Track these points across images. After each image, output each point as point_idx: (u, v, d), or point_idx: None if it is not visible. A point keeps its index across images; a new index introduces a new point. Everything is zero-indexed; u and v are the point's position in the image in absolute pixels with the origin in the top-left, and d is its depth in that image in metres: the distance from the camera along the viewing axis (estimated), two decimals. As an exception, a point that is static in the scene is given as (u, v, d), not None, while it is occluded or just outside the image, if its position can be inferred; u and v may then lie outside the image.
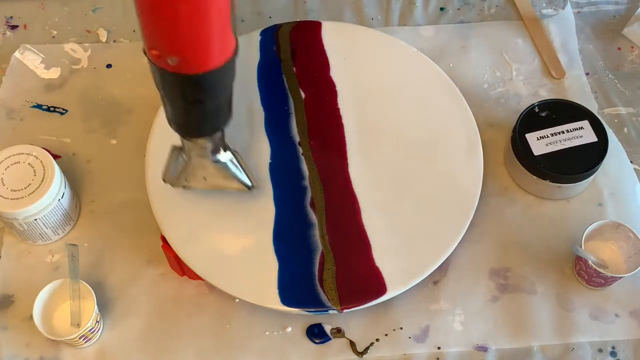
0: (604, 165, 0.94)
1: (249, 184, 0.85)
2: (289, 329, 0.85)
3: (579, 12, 1.11)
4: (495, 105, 1.01)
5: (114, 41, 1.08)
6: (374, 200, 0.89)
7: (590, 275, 0.85)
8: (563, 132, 0.91)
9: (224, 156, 0.83)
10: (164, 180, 0.86)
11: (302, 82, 0.97)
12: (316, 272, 0.84)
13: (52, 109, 1.01)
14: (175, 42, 0.67)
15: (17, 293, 0.87)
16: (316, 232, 0.86)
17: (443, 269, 0.88)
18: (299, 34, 1.01)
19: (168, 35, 0.66)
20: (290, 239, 0.86)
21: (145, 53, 0.70)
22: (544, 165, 0.89)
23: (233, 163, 0.84)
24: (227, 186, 0.85)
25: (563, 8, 1.10)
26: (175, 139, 0.92)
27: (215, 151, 0.81)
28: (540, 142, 0.91)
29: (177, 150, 0.84)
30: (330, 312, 0.82)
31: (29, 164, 0.86)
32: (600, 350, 0.84)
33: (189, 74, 0.69)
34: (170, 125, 0.79)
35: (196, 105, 0.74)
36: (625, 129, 1.00)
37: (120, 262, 0.89)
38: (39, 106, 1.01)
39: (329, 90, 0.97)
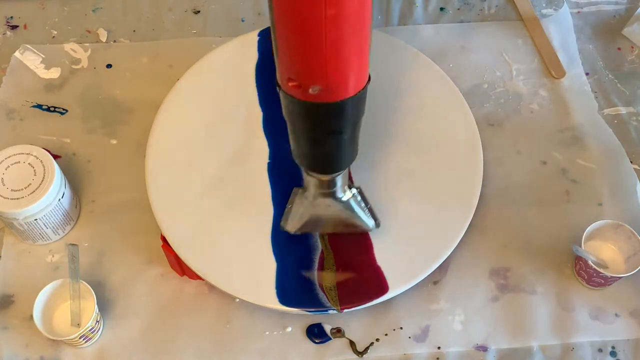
0: (604, 165, 0.95)
1: (371, 224, 0.83)
2: (289, 329, 0.85)
3: (578, 12, 1.11)
4: (495, 105, 1.01)
5: (114, 41, 1.08)
6: (375, 200, 0.88)
7: (590, 275, 0.85)
8: None
9: (348, 194, 0.80)
10: (282, 228, 0.84)
11: (302, 82, 0.97)
12: (315, 272, 0.84)
13: (52, 109, 1.01)
14: (320, 70, 0.63)
15: (17, 293, 0.87)
16: (316, 232, 0.86)
17: (443, 269, 0.88)
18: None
19: (313, 63, 0.63)
20: (288, 238, 0.86)
21: (278, 87, 0.68)
22: None
23: (356, 202, 0.81)
24: (349, 226, 0.83)
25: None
26: (176, 138, 0.92)
27: (342, 189, 0.79)
28: None
29: (299, 192, 0.82)
30: (330, 312, 0.82)
31: (29, 164, 0.86)
32: (600, 350, 0.84)
33: (329, 103, 0.66)
34: (299, 161, 0.76)
35: (332, 137, 0.71)
36: (625, 129, 1.00)
37: (120, 262, 0.89)
38: (39, 106, 1.01)
39: (329, 90, 0.97)
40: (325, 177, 0.77)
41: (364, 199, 0.82)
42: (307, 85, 0.65)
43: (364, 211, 0.82)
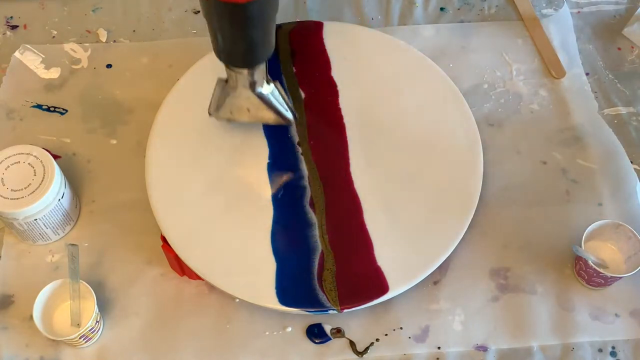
0: (604, 165, 0.95)
1: (289, 117, 0.90)
2: (289, 329, 0.85)
3: (579, 12, 1.11)
4: (495, 105, 1.01)
5: (114, 41, 1.08)
6: (375, 200, 0.89)
7: (590, 275, 0.85)
8: None
9: (267, 88, 0.87)
10: (210, 114, 0.91)
11: (301, 82, 0.97)
12: (315, 272, 0.84)
13: (52, 109, 1.01)
14: None
15: (17, 293, 0.87)
16: (315, 232, 0.86)
17: (443, 269, 0.88)
18: (299, 34, 1.01)
19: None
20: (288, 238, 0.86)
21: None
22: None
23: (274, 96, 0.88)
24: (269, 118, 0.90)
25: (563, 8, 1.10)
26: (176, 138, 0.93)
27: (259, 83, 0.86)
28: None
29: (222, 83, 0.89)
30: (330, 312, 0.82)
31: (29, 164, 0.86)
32: (600, 350, 0.84)
33: (238, 3, 0.74)
34: (219, 56, 0.83)
35: (244, 34, 0.79)
36: (625, 129, 1.00)
37: (120, 262, 0.89)
38: (39, 106, 1.01)
39: (330, 90, 0.97)
40: (243, 71, 0.84)
41: (281, 94, 0.89)
42: None
43: (281, 105, 0.89)
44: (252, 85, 0.86)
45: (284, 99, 0.89)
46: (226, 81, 0.88)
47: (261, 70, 0.85)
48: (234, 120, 0.90)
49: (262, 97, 0.87)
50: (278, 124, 0.90)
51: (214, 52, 0.83)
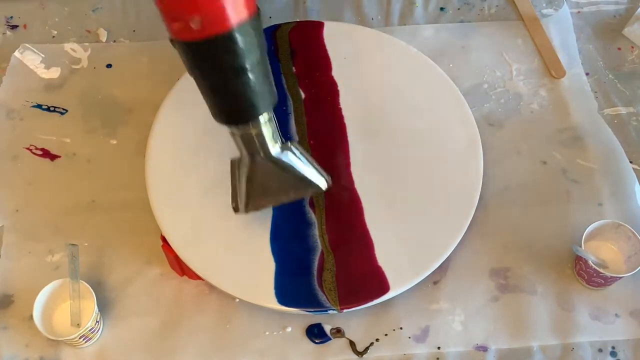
0: (604, 165, 0.95)
1: (322, 184, 0.78)
2: (289, 329, 0.85)
3: (579, 12, 1.11)
4: (495, 105, 1.01)
5: (114, 41, 1.08)
6: (375, 200, 0.89)
7: (590, 275, 0.85)
8: None
9: (284, 148, 0.76)
10: (235, 210, 0.82)
11: (301, 82, 0.97)
12: (315, 272, 0.84)
13: (52, 109, 1.01)
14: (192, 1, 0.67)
15: (17, 293, 0.87)
16: (315, 232, 0.86)
17: (443, 269, 0.88)
18: (300, 34, 1.01)
19: None
20: (287, 239, 0.86)
21: (171, 42, 0.71)
22: None
23: (296, 157, 0.77)
24: (299, 192, 0.79)
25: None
26: (176, 138, 0.92)
27: (273, 143, 0.75)
28: None
29: (236, 168, 0.79)
30: (330, 312, 0.82)
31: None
32: (600, 350, 0.84)
33: (217, 35, 0.68)
34: (219, 119, 0.74)
35: (238, 76, 0.70)
36: (625, 129, 1.00)
37: (120, 262, 0.89)
38: (39, 106, 1.01)
39: (330, 90, 0.97)
40: (248, 129, 0.74)
41: (305, 155, 0.78)
42: (187, 20, 0.67)
43: (307, 167, 0.77)
44: (267, 150, 0.75)
45: (307, 159, 0.77)
46: (238, 162, 0.78)
47: (268, 125, 0.74)
48: (263, 207, 0.80)
49: (282, 165, 0.76)
50: (311, 194, 0.80)
51: (213, 117, 0.74)
